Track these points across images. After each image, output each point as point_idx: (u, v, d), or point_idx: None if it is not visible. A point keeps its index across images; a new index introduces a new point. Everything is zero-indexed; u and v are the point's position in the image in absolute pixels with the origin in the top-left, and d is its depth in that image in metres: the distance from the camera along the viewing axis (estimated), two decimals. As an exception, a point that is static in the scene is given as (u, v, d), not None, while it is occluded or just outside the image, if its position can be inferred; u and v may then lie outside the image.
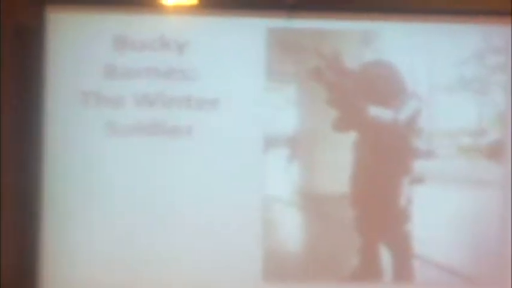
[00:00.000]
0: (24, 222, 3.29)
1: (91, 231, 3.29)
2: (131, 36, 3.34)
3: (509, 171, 3.39)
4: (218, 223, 3.30)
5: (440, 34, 3.41)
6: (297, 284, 3.33)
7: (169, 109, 3.33)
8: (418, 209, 3.37)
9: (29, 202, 3.27)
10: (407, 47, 3.42)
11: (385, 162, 3.40)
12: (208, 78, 3.34)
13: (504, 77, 3.43)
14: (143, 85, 3.33)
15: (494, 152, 3.41)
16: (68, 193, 3.29)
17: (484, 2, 3.40)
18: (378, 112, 3.40)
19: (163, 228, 3.30)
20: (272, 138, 3.35)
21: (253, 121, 3.34)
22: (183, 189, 3.32)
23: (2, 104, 3.30)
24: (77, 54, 3.32)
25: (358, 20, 3.41)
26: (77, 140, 3.30)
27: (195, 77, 3.34)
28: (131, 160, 3.32)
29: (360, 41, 3.41)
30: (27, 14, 3.36)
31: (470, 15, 3.43)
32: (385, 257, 3.37)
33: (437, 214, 3.36)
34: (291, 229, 3.35)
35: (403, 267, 3.37)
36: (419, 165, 3.38)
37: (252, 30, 3.37)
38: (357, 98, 3.41)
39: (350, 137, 3.39)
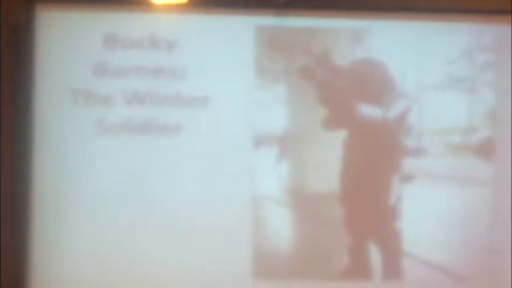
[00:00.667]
0: (14, 221, 3.28)
1: (81, 230, 3.29)
2: (121, 35, 3.35)
3: (498, 169, 3.40)
4: (208, 221, 3.30)
5: (430, 32, 3.42)
6: (286, 282, 3.33)
7: (160, 107, 3.33)
8: (408, 207, 3.37)
9: (19, 201, 3.26)
10: (397, 45, 3.42)
11: (375, 160, 3.40)
12: (198, 76, 3.35)
13: (493, 76, 3.44)
14: (133, 83, 3.33)
15: (483, 150, 3.41)
16: (58, 191, 3.29)
17: (474, 0, 3.41)
18: (367, 110, 3.40)
19: (154, 226, 3.30)
20: (262, 136, 3.35)
21: (243, 119, 3.35)
22: (173, 187, 3.32)
23: (-9, 102, 3.31)
24: (67, 52, 3.32)
25: (348, 18, 3.42)
26: (67, 138, 3.30)
27: (184, 75, 3.35)
28: (121, 158, 3.32)
29: (350, 39, 3.42)
30: (17, 12, 3.35)
31: (460, 13, 3.43)
32: (375, 255, 3.37)
33: (427, 212, 3.36)
34: (281, 227, 3.35)
35: (392, 265, 3.37)
36: (409, 163, 3.38)
37: (241, 28, 3.37)
38: (347, 96, 3.41)
39: (340, 135, 3.39)
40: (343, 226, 3.36)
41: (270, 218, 3.34)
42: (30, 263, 3.26)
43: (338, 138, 3.39)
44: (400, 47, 3.42)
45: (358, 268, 3.36)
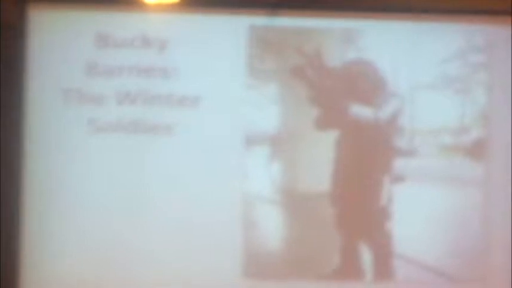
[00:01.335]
0: (4, 220, 3.28)
1: (72, 229, 3.29)
2: (113, 34, 3.35)
3: (490, 169, 3.40)
4: (199, 221, 3.30)
5: (422, 33, 3.42)
6: (277, 282, 3.33)
7: (151, 107, 3.34)
8: (399, 207, 3.37)
9: (10, 200, 3.26)
10: (389, 46, 3.42)
11: (367, 161, 3.40)
12: (190, 76, 3.35)
13: (486, 76, 3.43)
14: (125, 83, 3.34)
15: (475, 151, 3.41)
16: (49, 190, 3.29)
17: (466, 1, 3.41)
18: (359, 110, 3.40)
19: (144, 225, 3.30)
20: (253, 136, 3.35)
21: (234, 119, 3.35)
22: (164, 187, 3.32)
23: (-18, 101, 3.31)
24: (58, 51, 3.32)
25: (341, 18, 3.42)
26: (58, 137, 3.30)
27: (176, 74, 3.35)
28: (112, 157, 3.32)
29: (342, 39, 3.42)
30: (9, 11, 3.35)
31: (452, 14, 3.43)
32: (366, 255, 3.37)
33: (418, 212, 3.36)
34: (272, 227, 3.35)
35: (383, 265, 3.37)
36: (400, 164, 3.38)
37: (233, 28, 3.37)
38: (339, 96, 3.41)
39: (331, 135, 3.39)
40: (334, 226, 3.36)
41: (261, 218, 3.34)
42: (21, 262, 3.26)
43: (330, 138, 3.39)
44: (392, 47, 3.42)
45: (349, 268, 3.36)
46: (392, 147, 3.40)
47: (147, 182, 3.32)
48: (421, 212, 3.36)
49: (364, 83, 3.41)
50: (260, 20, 3.38)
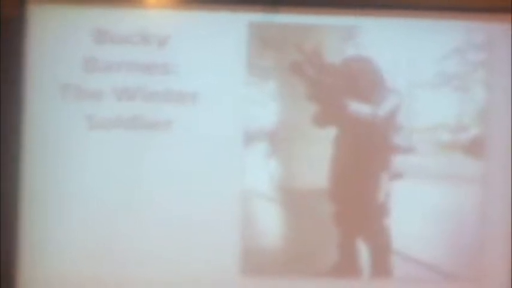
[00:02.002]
0: (2, 217, 3.28)
1: (70, 226, 3.29)
2: (112, 30, 3.34)
3: (488, 167, 3.40)
4: (197, 217, 3.30)
5: (421, 30, 3.41)
6: (275, 279, 3.34)
7: (149, 103, 3.33)
8: (397, 204, 3.37)
9: (8, 197, 3.26)
10: (389, 43, 3.41)
11: (365, 158, 3.40)
12: (189, 72, 3.34)
13: (485, 74, 3.43)
14: (123, 79, 3.33)
15: (474, 149, 3.41)
16: (47, 186, 3.29)
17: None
18: (358, 107, 3.40)
19: (143, 222, 3.30)
20: (252, 132, 3.35)
21: (233, 116, 3.34)
22: (162, 183, 3.31)
23: (-21, 96, 3.30)
24: (57, 47, 3.31)
25: (340, 15, 3.41)
26: (56, 133, 3.30)
27: (175, 71, 3.34)
28: (111, 154, 3.31)
29: (341, 36, 3.41)
30: (7, 6, 3.35)
31: (451, 11, 3.43)
32: (364, 252, 3.37)
33: (417, 210, 3.36)
34: (270, 224, 3.36)
35: (381, 262, 3.37)
36: (398, 161, 3.38)
37: (233, 25, 3.36)
38: (338, 93, 3.41)
39: (330, 132, 3.39)
40: (332, 223, 3.36)
41: (259, 215, 3.35)
42: (19, 261, 3.26)
43: (328, 135, 3.38)
44: (391, 45, 3.41)
45: (347, 265, 3.36)
46: (390, 144, 3.40)
47: (145, 179, 3.31)
48: (419, 209, 3.36)
49: (363, 80, 3.41)
50: (260, 17, 3.38)
